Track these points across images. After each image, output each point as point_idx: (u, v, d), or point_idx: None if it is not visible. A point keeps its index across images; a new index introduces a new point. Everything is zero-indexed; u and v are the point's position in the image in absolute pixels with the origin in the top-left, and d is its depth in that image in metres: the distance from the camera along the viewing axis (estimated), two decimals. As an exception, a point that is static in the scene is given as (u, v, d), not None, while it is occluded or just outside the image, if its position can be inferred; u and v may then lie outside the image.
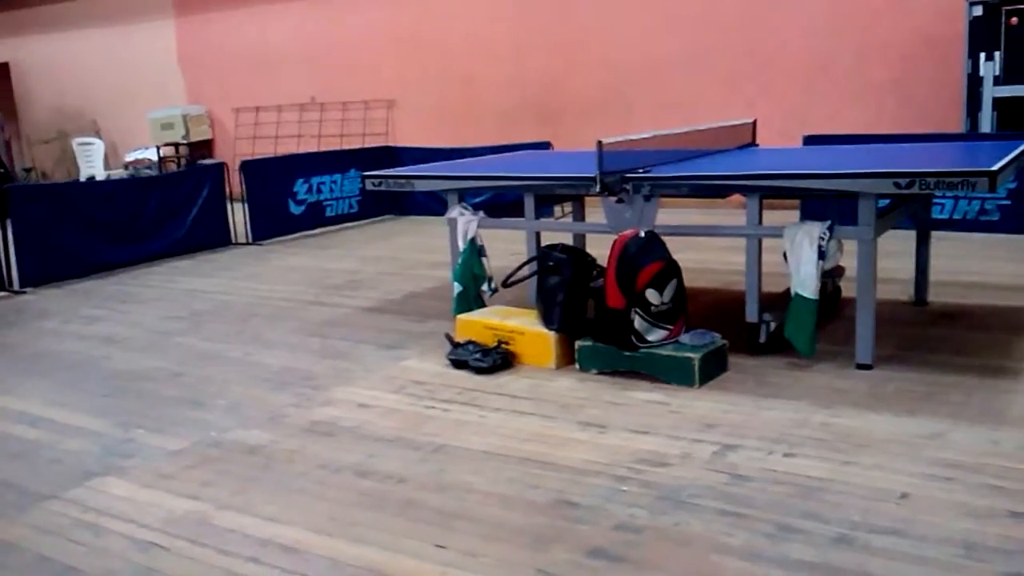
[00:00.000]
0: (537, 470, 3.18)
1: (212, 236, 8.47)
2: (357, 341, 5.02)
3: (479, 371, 4.27)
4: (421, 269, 6.97)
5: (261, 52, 12.66)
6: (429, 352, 4.65)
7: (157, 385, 4.46)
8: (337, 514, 2.95)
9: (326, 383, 4.30)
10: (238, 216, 8.65)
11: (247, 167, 8.84)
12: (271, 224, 8.85)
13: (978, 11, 7.66)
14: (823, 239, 3.97)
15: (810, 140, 7.40)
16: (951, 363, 4.07)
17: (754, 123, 5.90)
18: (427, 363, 4.50)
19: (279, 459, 3.44)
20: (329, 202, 9.54)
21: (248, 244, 8.59)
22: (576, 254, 4.53)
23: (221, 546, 2.77)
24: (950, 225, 7.12)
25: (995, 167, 3.67)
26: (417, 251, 7.82)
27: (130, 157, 13.22)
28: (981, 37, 7.67)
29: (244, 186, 8.71)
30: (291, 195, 9.14)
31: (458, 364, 4.37)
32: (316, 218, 9.37)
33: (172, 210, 8.17)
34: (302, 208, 9.24)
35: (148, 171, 12.35)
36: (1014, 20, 7.56)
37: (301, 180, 9.23)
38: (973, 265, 6.00)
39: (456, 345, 4.48)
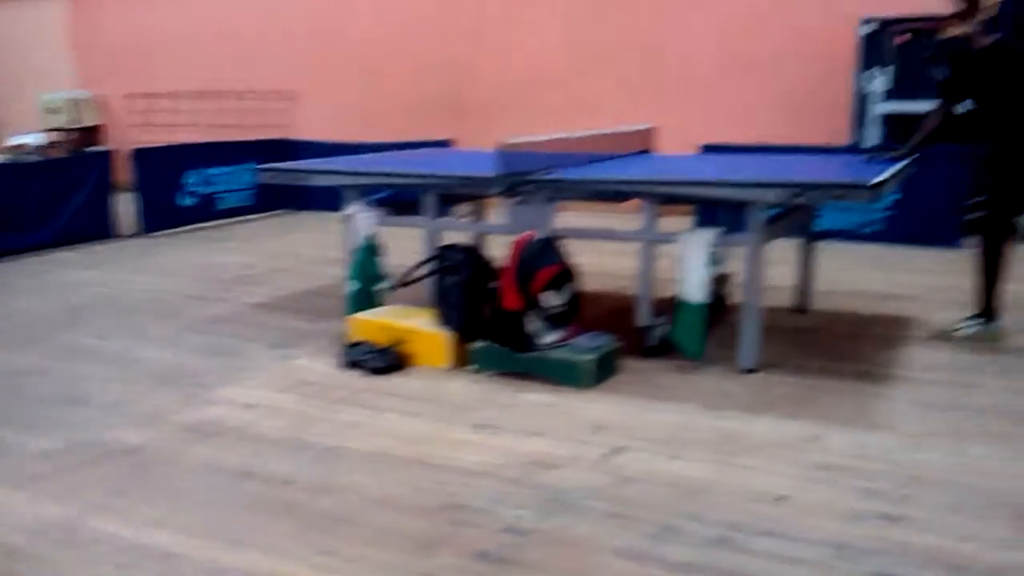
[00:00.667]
0: (427, 472, 3.16)
1: (97, 227, 8.11)
2: (246, 339, 4.89)
3: (372, 371, 4.21)
4: (316, 266, 6.85)
5: (157, 37, 12.25)
6: (321, 351, 4.57)
7: (31, 381, 4.24)
8: (218, 518, 2.86)
9: (212, 382, 4.18)
10: (127, 206, 8.33)
11: (138, 156, 8.51)
12: (161, 216, 8.55)
13: (869, 28, 7.98)
14: (714, 246, 4.07)
15: (707, 149, 7.58)
16: (830, 368, 4.22)
17: (653, 130, 6.00)
18: (318, 363, 4.42)
19: (159, 460, 3.32)
20: (223, 194, 9.28)
21: (136, 236, 8.28)
22: (475, 255, 4.52)
23: (91, 552, 2.66)
24: (835, 235, 7.40)
25: (877, 180, 3.83)
26: (313, 247, 7.69)
27: (12, 142, 12.57)
28: (871, 54, 8.00)
29: (134, 175, 8.40)
30: (183, 186, 8.86)
31: (351, 364, 4.30)
32: (208, 211, 9.10)
33: (55, 198, 7.80)
34: (194, 200, 8.97)
35: (31, 157, 11.77)
36: (903, 38, 7.90)
37: (194, 171, 8.95)
38: (855, 274, 6.24)
39: (349, 345, 4.41)
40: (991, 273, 4.56)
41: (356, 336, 4.50)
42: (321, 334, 4.85)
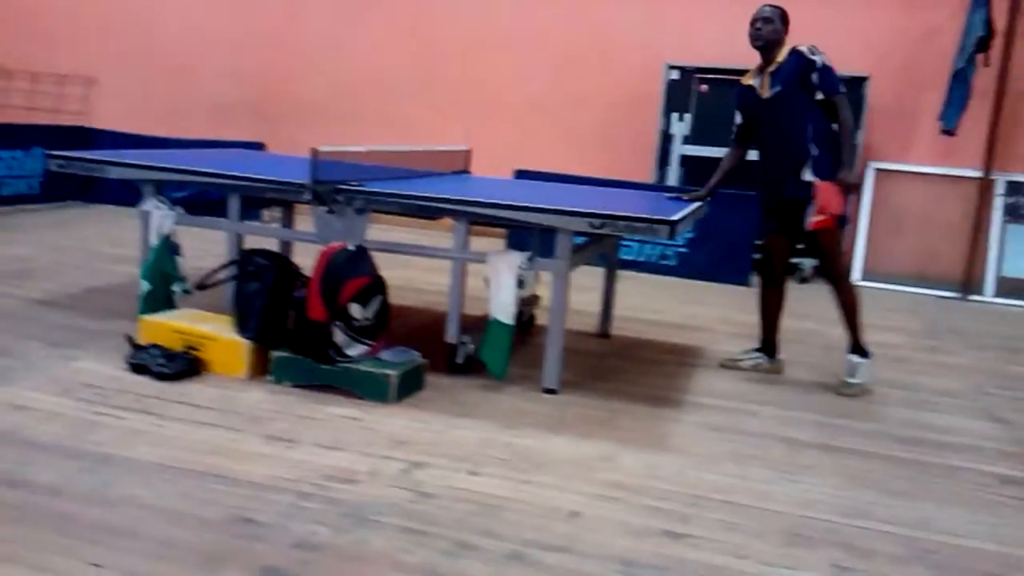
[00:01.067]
0: (215, 485, 3.01)
1: None
2: (22, 336, 4.50)
3: (161, 377, 3.98)
4: (106, 263, 6.43)
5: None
6: (106, 353, 4.27)
7: None
8: (-26, 529, 2.60)
9: (-22, 381, 3.82)
10: None
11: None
12: (-70, 198, 7.79)
13: (674, 75, 8.47)
14: (522, 269, 4.15)
15: (520, 175, 7.76)
16: (626, 391, 4.39)
17: (469, 151, 6.07)
18: (103, 365, 4.13)
19: (-93, 465, 2.99)
20: (6, 180, 8.55)
21: (-102, 218, 7.49)
22: (280, 261, 4.38)
23: None
24: (636, 266, 7.76)
25: (675, 217, 4.04)
26: (104, 243, 7.21)
27: None
28: (675, 99, 8.47)
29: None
30: (-42, 168, 8.11)
31: (138, 368, 4.04)
32: (-11, 197, 8.38)
33: None
34: (-29, 184, 8.23)
35: None
36: (704, 87, 8.43)
37: (-27, 153, 8.22)
38: (652, 303, 6.56)
39: (138, 348, 4.15)
40: (769, 311, 4.91)
41: (146, 339, 4.24)
42: (108, 335, 4.54)
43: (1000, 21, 8.14)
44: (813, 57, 4.45)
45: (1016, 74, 8.32)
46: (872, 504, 3.28)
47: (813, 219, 4.51)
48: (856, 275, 8.38)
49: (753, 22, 4.55)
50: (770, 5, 4.58)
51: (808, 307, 6.57)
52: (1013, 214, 8.45)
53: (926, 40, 8.48)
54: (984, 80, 8.22)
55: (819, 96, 4.44)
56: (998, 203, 8.45)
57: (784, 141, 4.55)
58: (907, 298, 7.95)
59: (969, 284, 8.36)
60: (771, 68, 4.55)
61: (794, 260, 8.08)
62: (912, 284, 8.36)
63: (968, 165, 8.50)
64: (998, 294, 8.30)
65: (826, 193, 4.46)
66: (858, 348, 4.67)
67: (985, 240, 8.43)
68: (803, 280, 8.04)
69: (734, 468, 3.52)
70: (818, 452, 3.79)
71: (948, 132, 8.26)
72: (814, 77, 4.43)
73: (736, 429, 3.99)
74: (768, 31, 4.52)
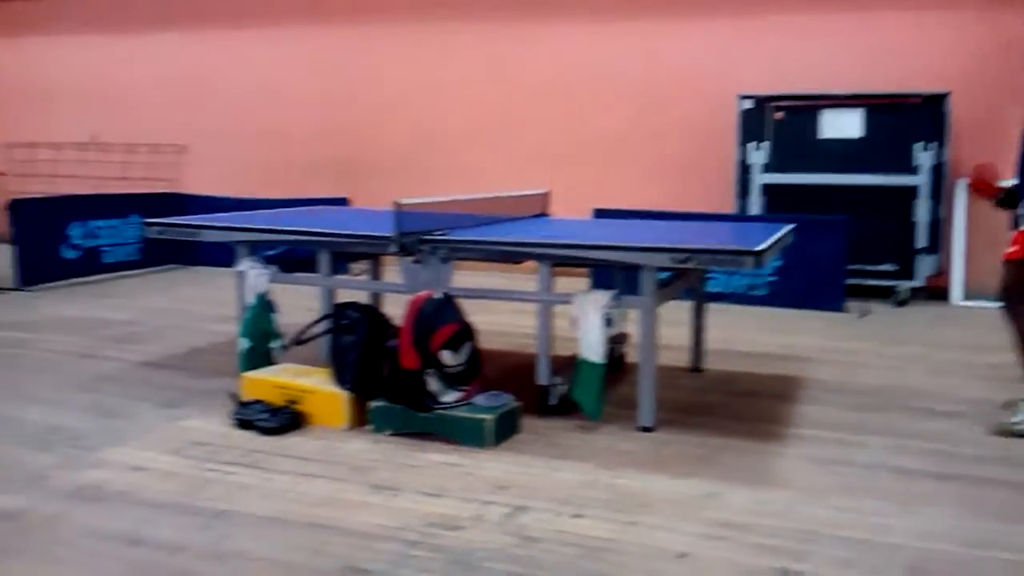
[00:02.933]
0: (324, 536, 3.06)
1: (-32, 280, 7.71)
2: (132, 398, 4.68)
3: (266, 432, 4.08)
4: (206, 323, 6.65)
5: (40, 85, 11.85)
6: (212, 411, 4.41)
7: None
8: (101, 588, 2.70)
9: (95, 443, 3.97)
10: (3, 259, 7.93)
11: (16, 207, 8.15)
12: (41, 269, 8.18)
13: (748, 104, 8.40)
14: (609, 308, 4.14)
15: (599, 213, 7.77)
16: (725, 426, 4.32)
17: (548, 194, 6.12)
18: (209, 423, 4.26)
19: (39, 526, 3.12)
20: (107, 248, 8.95)
21: (13, 290, 7.88)
22: (371, 313, 4.48)
23: (-41, 628, 2.46)
24: (724, 298, 7.65)
25: (760, 247, 3.99)
26: (203, 304, 7.46)
27: None
28: (750, 128, 8.40)
29: (12, 227, 8.02)
30: (65, 239, 8.52)
31: (243, 424, 4.16)
32: (92, 264, 8.76)
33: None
34: (77, 253, 8.62)
35: None
36: (779, 114, 8.34)
37: (77, 223, 8.63)
38: (744, 335, 6.45)
39: (242, 404, 4.27)
40: None
41: (249, 395, 4.37)
42: (213, 393, 4.68)
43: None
44: None
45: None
46: (994, 533, 3.15)
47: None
48: (957, 294, 8.11)
49: None
50: None
51: (910, 331, 6.38)
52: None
53: (1006, 52, 8.25)
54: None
55: None
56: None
57: None
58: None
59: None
60: None
61: (890, 283, 7.91)
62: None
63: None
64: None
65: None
66: None
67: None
68: (900, 303, 7.82)
69: (846, 501, 3.42)
70: (932, 481, 3.66)
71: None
72: None
73: (844, 461, 3.88)
74: None
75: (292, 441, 4.03)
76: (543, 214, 6.03)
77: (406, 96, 10.28)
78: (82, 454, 3.83)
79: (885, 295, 7.94)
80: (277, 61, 10.76)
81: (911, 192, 7.87)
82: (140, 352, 5.74)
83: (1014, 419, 4.23)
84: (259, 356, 4.77)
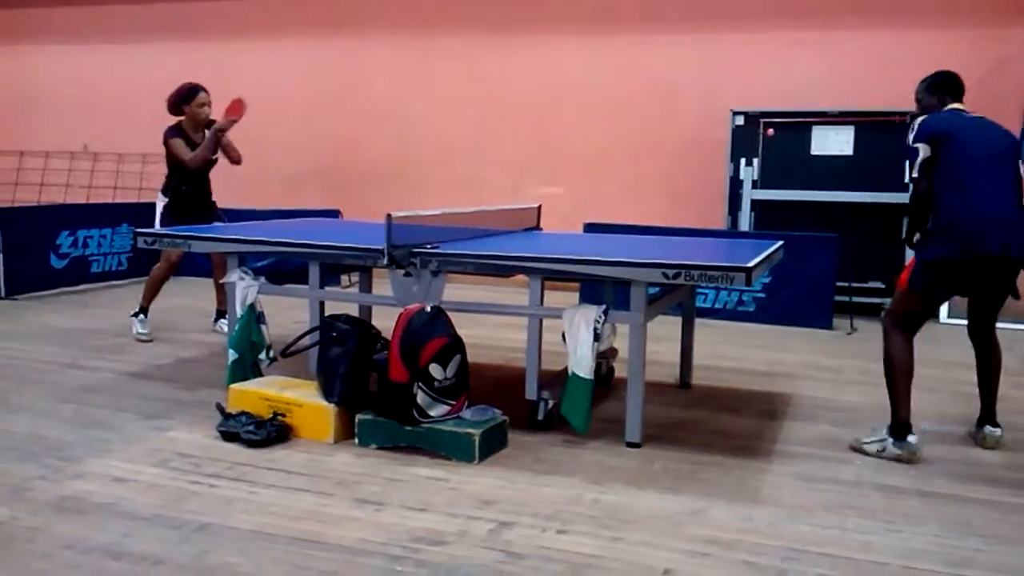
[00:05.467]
0: (308, 550, 3.05)
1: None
2: (117, 409, 4.66)
3: (251, 444, 4.07)
4: (194, 334, 6.63)
5: (29, 93, 11.82)
6: (198, 423, 4.39)
7: None
8: (81, 601, 2.67)
9: (79, 454, 3.95)
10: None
11: (2, 215, 8.13)
12: (28, 278, 8.15)
13: (740, 120, 8.44)
14: (598, 322, 4.14)
15: (590, 228, 7.79)
16: (712, 443, 4.32)
17: (539, 208, 6.13)
18: (195, 435, 4.24)
19: (20, 538, 3.09)
20: (96, 257, 8.92)
21: (-1, 299, 7.85)
22: (360, 325, 4.46)
23: (-64, 641, 2.44)
24: (713, 314, 7.67)
25: (751, 264, 4.00)
26: (190, 314, 7.44)
27: None
28: (742, 144, 8.44)
29: (-1, 236, 8.00)
30: (53, 248, 8.49)
31: (229, 436, 4.14)
32: (80, 274, 8.74)
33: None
34: (64, 262, 8.59)
35: None
36: (770, 131, 8.38)
37: (66, 232, 8.60)
38: (732, 351, 6.46)
39: (228, 416, 4.25)
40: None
41: (235, 407, 4.35)
42: (199, 404, 4.67)
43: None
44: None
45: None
46: (977, 552, 3.15)
47: None
48: (943, 312, 8.13)
49: None
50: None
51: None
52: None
53: (997, 71, 8.31)
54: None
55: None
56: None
57: None
58: (1004, 335, 7.68)
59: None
60: None
61: (879, 300, 7.92)
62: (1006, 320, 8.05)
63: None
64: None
65: None
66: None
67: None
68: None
69: (830, 518, 3.42)
70: (917, 499, 3.66)
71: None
72: None
73: (829, 478, 3.88)
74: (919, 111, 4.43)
75: (277, 454, 4.01)
76: (534, 228, 6.04)
77: (394, 109, 10.30)
78: (65, 465, 3.80)
79: (874, 312, 7.95)
80: (267, 72, 10.76)
81: (901, 210, 7.91)
82: (126, 362, 5.71)
83: (866, 440, 4.24)
84: (247, 368, 4.75)
